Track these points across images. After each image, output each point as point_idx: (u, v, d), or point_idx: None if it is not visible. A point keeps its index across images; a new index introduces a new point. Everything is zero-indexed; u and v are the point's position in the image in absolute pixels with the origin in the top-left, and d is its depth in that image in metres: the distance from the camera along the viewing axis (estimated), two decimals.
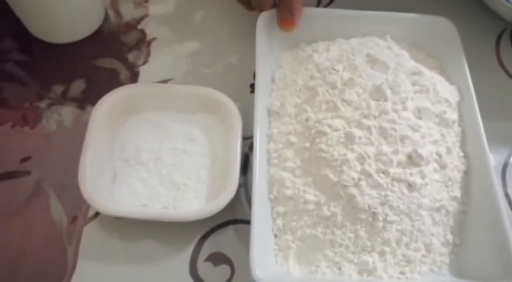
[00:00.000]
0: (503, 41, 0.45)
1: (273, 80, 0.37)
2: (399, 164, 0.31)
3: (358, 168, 0.31)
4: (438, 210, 0.32)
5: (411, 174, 0.31)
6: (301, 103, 0.35)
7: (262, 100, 0.35)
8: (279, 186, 0.32)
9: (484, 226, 0.31)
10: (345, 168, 0.31)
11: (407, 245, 0.31)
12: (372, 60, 0.36)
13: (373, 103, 0.33)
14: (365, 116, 0.32)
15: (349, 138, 0.31)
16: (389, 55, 0.37)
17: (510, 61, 0.43)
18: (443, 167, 0.33)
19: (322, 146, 0.32)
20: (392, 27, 0.39)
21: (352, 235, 0.30)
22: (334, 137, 0.32)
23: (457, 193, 0.33)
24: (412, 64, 0.37)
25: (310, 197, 0.31)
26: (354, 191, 0.30)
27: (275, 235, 0.31)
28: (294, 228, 0.31)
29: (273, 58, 0.38)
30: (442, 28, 0.39)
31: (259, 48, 0.36)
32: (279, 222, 0.31)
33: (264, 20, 0.38)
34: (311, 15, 0.39)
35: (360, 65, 0.35)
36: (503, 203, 0.31)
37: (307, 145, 0.33)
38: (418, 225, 0.31)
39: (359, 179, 0.30)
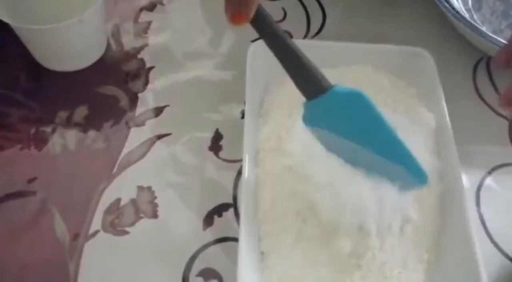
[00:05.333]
0: (479, 70, 0.47)
1: (262, 107, 0.39)
2: None
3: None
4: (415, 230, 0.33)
5: None
6: (288, 129, 0.36)
7: (251, 126, 0.36)
8: (265, 207, 0.33)
9: (457, 244, 0.33)
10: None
11: (384, 263, 0.32)
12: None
13: None
14: None
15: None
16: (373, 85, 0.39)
17: (485, 88, 0.45)
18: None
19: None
20: (374, 57, 0.41)
21: (332, 254, 0.32)
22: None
23: (433, 215, 0.34)
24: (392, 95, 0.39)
25: (294, 218, 0.33)
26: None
27: (262, 253, 0.32)
28: (279, 247, 0.32)
29: (262, 86, 0.40)
30: (420, 58, 0.41)
31: (249, 77, 0.38)
32: (266, 240, 0.33)
33: (254, 49, 0.39)
34: (299, 46, 0.41)
35: None
36: (473, 223, 0.33)
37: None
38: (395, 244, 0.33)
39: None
